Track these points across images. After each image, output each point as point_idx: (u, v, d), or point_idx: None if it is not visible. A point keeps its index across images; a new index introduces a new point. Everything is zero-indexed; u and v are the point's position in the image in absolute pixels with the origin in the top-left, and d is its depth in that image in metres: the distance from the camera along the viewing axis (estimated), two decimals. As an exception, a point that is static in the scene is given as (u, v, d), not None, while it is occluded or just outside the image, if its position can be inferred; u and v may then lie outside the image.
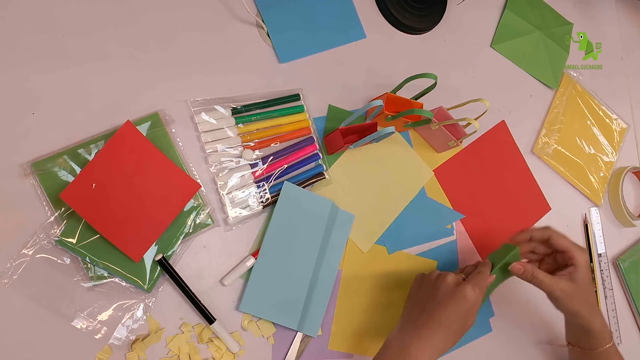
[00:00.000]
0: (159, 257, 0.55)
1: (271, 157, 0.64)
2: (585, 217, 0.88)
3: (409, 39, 0.80)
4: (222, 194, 0.60)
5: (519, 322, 0.77)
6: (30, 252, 0.52)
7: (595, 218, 0.89)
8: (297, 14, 0.71)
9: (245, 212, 0.61)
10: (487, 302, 0.75)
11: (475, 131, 0.69)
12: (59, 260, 0.53)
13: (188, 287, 0.56)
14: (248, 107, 0.64)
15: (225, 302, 0.59)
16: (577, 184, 0.88)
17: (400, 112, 0.66)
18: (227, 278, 0.58)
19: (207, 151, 0.61)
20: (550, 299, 0.63)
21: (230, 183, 0.61)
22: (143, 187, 0.55)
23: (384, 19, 0.78)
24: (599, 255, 0.87)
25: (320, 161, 0.67)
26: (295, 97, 0.67)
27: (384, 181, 0.71)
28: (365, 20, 0.76)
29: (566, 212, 0.87)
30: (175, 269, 0.56)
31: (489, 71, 0.85)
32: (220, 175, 0.61)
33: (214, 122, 0.62)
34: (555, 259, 0.66)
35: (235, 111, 0.63)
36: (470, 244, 0.76)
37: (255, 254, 0.60)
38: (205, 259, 0.59)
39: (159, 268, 0.55)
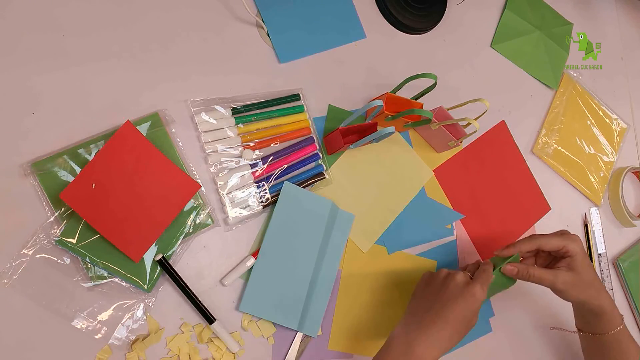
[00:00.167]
0: (159, 257, 0.55)
1: (271, 157, 0.64)
2: (585, 217, 0.88)
3: (409, 39, 0.80)
4: (222, 194, 0.60)
5: (519, 322, 0.77)
6: (30, 252, 0.52)
7: (595, 218, 0.89)
8: (297, 14, 0.71)
9: (245, 212, 0.61)
10: (487, 302, 0.75)
11: (475, 131, 0.69)
12: (59, 260, 0.53)
13: (188, 287, 0.56)
14: (248, 107, 0.64)
15: (225, 302, 0.59)
16: (577, 184, 0.88)
17: (400, 112, 0.66)
18: (227, 278, 0.58)
19: (207, 151, 0.61)
20: (555, 291, 0.63)
21: (230, 183, 0.61)
22: (143, 187, 0.55)
23: (384, 19, 0.78)
24: (599, 255, 0.87)
25: (320, 161, 0.67)
26: (295, 97, 0.67)
27: (384, 181, 0.71)
28: (365, 20, 0.76)
29: (566, 212, 0.87)
30: (175, 269, 0.56)
31: (489, 71, 0.85)
32: (220, 175, 0.61)
33: (214, 122, 0.62)
34: (549, 252, 0.66)
35: (235, 111, 0.63)
36: (470, 244, 0.76)
37: (255, 254, 0.60)
38: (205, 259, 0.59)
39: (159, 268, 0.55)
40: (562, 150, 0.88)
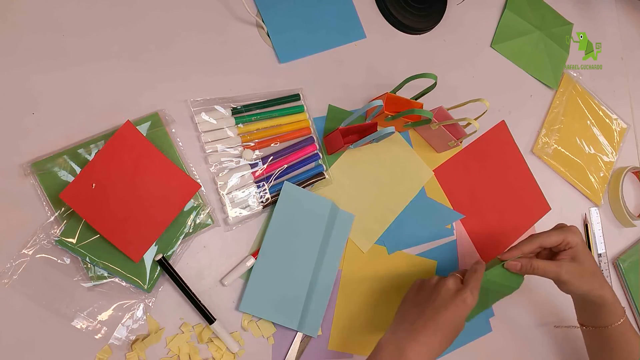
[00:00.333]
0: (159, 257, 0.55)
1: (271, 157, 0.64)
2: (585, 217, 0.88)
3: (409, 39, 0.80)
4: (222, 194, 0.60)
5: (519, 321, 0.77)
6: (30, 252, 0.52)
7: (595, 218, 0.89)
8: (297, 14, 0.71)
9: (245, 212, 0.61)
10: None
11: (475, 131, 0.69)
12: (59, 260, 0.53)
13: (188, 287, 0.56)
14: (248, 107, 0.64)
15: (225, 302, 0.59)
16: (577, 184, 0.88)
17: (400, 112, 0.66)
18: (227, 278, 0.58)
19: (207, 151, 0.61)
20: (558, 283, 0.63)
21: (230, 183, 0.61)
22: (143, 187, 0.55)
23: (384, 19, 0.78)
24: (599, 255, 0.87)
25: (320, 161, 0.67)
26: (295, 97, 0.67)
27: (384, 181, 0.71)
28: (365, 20, 0.76)
29: (566, 212, 0.87)
30: (175, 269, 0.56)
31: (489, 71, 0.85)
32: (220, 175, 0.61)
33: (214, 122, 0.62)
34: (550, 249, 0.66)
35: (235, 111, 0.63)
36: (470, 244, 0.76)
37: (255, 254, 0.60)
38: (205, 259, 0.59)
39: (159, 268, 0.55)
40: (562, 150, 0.88)
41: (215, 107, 0.62)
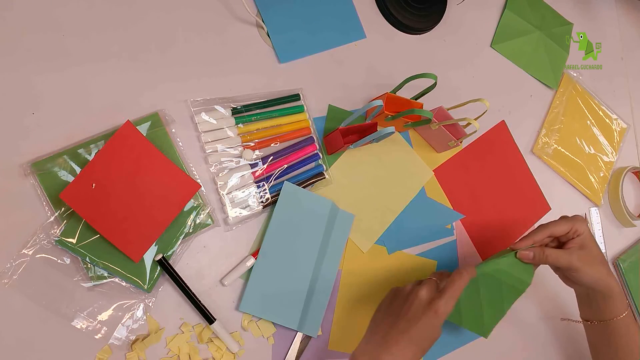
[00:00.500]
0: (159, 257, 0.55)
1: (271, 157, 0.64)
2: (585, 217, 0.88)
3: (409, 39, 0.80)
4: (222, 194, 0.60)
5: (521, 316, 0.77)
6: (30, 252, 0.52)
7: (595, 218, 0.89)
8: (297, 14, 0.71)
9: (245, 212, 0.61)
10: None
11: (475, 131, 0.69)
12: (59, 260, 0.53)
13: (188, 287, 0.56)
14: (248, 107, 0.64)
15: (225, 302, 0.59)
16: (577, 184, 0.88)
17: (400, 112, 0.66)
18: (227, 278, 0.58)
19: (207, 151, 0.61)
20: (569, 272, 0.62)
21: (230, 183, 0.61)
22: (143, 187, 0.55)
23: (384, 19, 0.78)
24: (599, 255, 0.87)
25: (320, 161, 0.67)
26: (295, 97, 0.67)
27: (384, 181, 0.71)
28: (365, 20, 0.76)
29: (566, 212, 0.85)
30: (175, 269, 0.56)
31: (489, 71, 0.85)
32: (220, 175, 0.61)
33: (214, 122, 0.62)
34: (557, 239, 0.66)
35: (235, 111, 0.63)
36: (470, 244, 0.76)
37: (255, 254, 0.60)
38: (205, 259, 0.59)
39: (159, 268, 0.55)
40: (562, 150, 0.88)
41: (215, 107, 0.62)
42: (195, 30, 0.64)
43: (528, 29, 0.90)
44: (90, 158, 0.54)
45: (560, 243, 0.66)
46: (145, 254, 0.55)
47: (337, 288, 0.65)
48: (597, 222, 0.89)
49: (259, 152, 0.64)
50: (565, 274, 0.64)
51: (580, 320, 0.70)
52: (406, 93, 0.71)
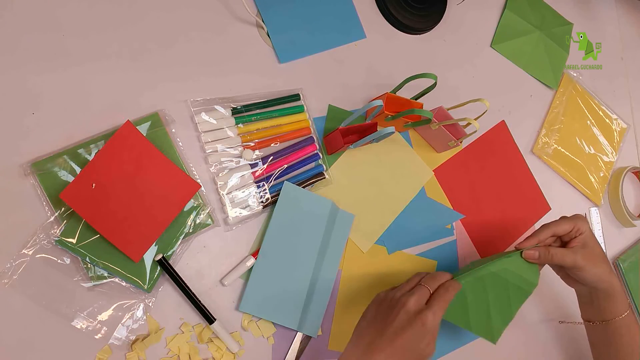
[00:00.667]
0: (159, 257, 0.55)
1: (271, 157, 0.64)
2: (585, 217, 0.88)
3: (409, 39, 0.80)
4: (222, 194, 0.60)
5: (522, 317, 0.77)
6: (30, 252, 0.52)
7: (595, 218, 0.89)
8: (297, 14, 0.71)
9: (245, 212, 0.61)
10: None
11: (475, 131, 0.69)
12: (59, 260, 0.53)
13: (188, 287, 0.56)
14: (248, 107, 0.64)
15: (225, 302, 0.59)
16: (577, 184, 0.88)
17: (400, 112, 0.66)
18: (227, 278, 0.58)
19: (207, 151, 0.61)
20: (573, 270, 0.62)
21: (230, 183, 0.61)
22: (143, 187, 0.55)
23: (384, 19, 0.78)
24: (599, 255, 0.87)
25: (320, 161, 0.67)
26: (295, 97, 0.67)
27: (384, 181, 0.71)
28: (365, 20, 0.76)
29: (566, 212, 0.85)
30: (175, 269, 0.56)
31: (489, 71, 0.85)
32: (220, 175, 0.61)
33: (214, 122, 0.62)
34: (559, 238, 0.66)
35: (235, 111, 0.63)
36: (470, 244, 0.76)
37: (255, 254, 0.60)
38: (205, 259, 0.59)
39: (159, 268, 0.55)
40: (562, 150, 0.88)
41: (215, 107, 0.62)
42: (195, 30, 0.64)
43: (528, 29, 0.90)
44: (90, 158, 0.54)
45: (562, 243, 0.66)
46: (145, 254, 0.55)
47: (337, 288, 0.65)
48: (597, 222, 0.89)
49: (259, 152, 0.64)
50: (569, 273, 0.64)
51: (581, 322, 0.70)
52: (406, 93, 0.71)
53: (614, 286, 0.63)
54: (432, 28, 0.82)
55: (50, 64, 0.56)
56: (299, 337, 0.61)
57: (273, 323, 0.61)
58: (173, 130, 0.60)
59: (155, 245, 0.55)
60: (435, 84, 0.68)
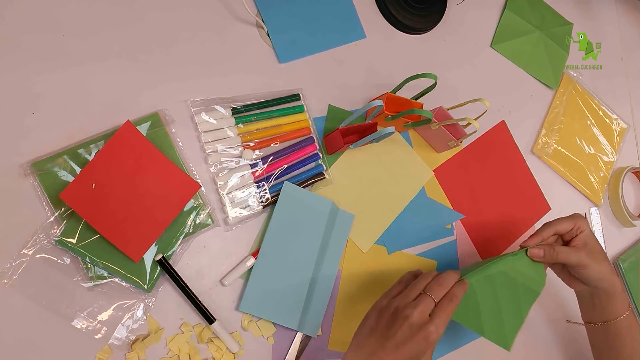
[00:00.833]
0: (159, 257, 0.55)
1: (271, 157, 0.64)
2: (585, 217, 0.88)
3: (409, 39, 0.80)
4: (222, 194, 0.60)
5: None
6: (30, 252, 0.52)
7: (595, 218, 0.89)
8: (297, 14, 0.71)
9: (245, 212, 0.61)
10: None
11: (475, 131, 0.69)
12: (59, 260, 0.53)
13: (188, 287, 0.56)
14: (248, 107, 0.64)
15: (225, 302, 0.59)
16: (577, 184, 0.88)
17: (400, 112, 0.66)
18: (227, 278, 0.58)
19: (207, 151, 0.61)
20: (577, 269, 0.62)
21: (230, 183, 0.61)
22: (143, 187, 0.55)
23: (384, 19, 0.78)
24: (599, 255, 0.87)
25: (320, 161, 0.67)
26: (295, 97, 0.67)
27: (384, 181, 0.71)
28: (365, 20, 0.76)
29: (566, 212, 0.85)
30: (175, 269, 0.56)
31: (489, 71, 0.85)
32: (220, 175, 0.61)
33: (214, 122, 0.62)
34: (560, 237, 0.66)
35: (235, 111, 0.63)
36: (470, 244, 0.76)
37: (255, 254, 0.60)
38: (205, 259, 0.59)
39: (159, 268, 0.55)
40: (562, 150, 0.88)
41: (215, 107, 0.62)
42: (195, 30, 0.64)
43: (528, 29, 0.90)
44: (90, 158, 0.54)
45: (564, 242, 0.66)
46: (145, 254, 0.55)
47: (337, 288, 0.65)
48: (597, 222, 0.89)
49: (259, 152, 0.64)
50: (572, 272, 0.64)
51: (581, 322, 0.70)
52: (406, 93, 0.71)
53: (615, 285, 0.63)
54: (432, 28, 0.82)
55: (50, 64, 0.56)
56: (299, 337, 0.61)
57: (273, 323, 0.61)
58: (173, 130, 0.60)
59: (155, 245, 0.55)
60: (435, 84, 0.68)
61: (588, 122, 0.92)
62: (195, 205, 0.58)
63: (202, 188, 0.60)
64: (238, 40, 0.67)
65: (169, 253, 0.56)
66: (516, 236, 0.81)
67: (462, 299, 0.54)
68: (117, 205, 0.53)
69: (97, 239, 0.53)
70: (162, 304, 0.56)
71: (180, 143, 0.60)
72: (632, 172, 0.94)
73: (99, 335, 0.53)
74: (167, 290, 0.57)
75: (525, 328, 0.76)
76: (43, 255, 0.52)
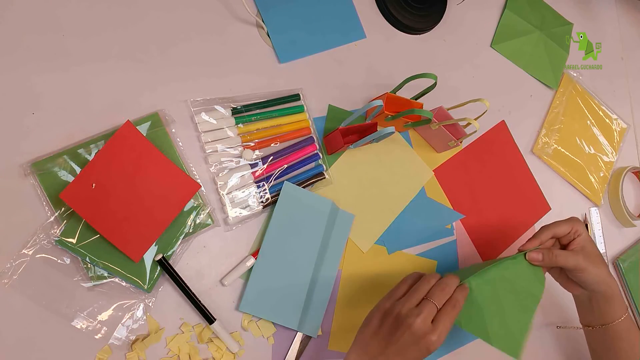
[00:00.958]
0: (159, 257, 0.55)
1: (271, 157, 0.64)
2: (585, 217, 0.88)
3: (409, 39, 0.80)
4: (222, 194, 0.60)
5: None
6: (30, 252, 0.52)
7: (595, 218, 0.89)
8: (297, 14, 0.71)
9: (245, 212, 0.61)
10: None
11: (475, 131, 0.69)
12: (59, 260, 0.53)
13: (188, 287, 0.56)
14: (248, 107, 0.64)
15: (225, 302, 0.59)
16: (577, 184, 0.88)
17: (400, 112, 0.66)
18: (227, 278, 0.58)
19: (207, 151, 0.61)
20: (575, 273, 0.62)
21: (230, 183, 0.61)
22: (143, 187, 0.55)
23: (384, 19, 0.78)
24: (599, 255, 0.87)
25: (320, 161, 0.67)
26: (295, 97, 0.67)
27: (384, 181, 0.71)
28: (365, 20, 0.76)
29: (566, 212, 0.86)
30: (175, 269, 0.56)
31: (489, 71, 0.85)
32: (220, 175, 0.61)
33: (214, 122, 0.62)
34: (557, 241, 0.66)
35: (235, 111, 0.63)
36: (470, 244, 0.76)
37: (255, 254, 0.60)
38: (205, 259, 0.59)
39: (159, 268, 0.55)
40: (562, 150, 0.88)
41: (215, 107, 0.62)
42: (195, 30, 0.64)
43: (528, 29, 0.90)
44: (90, 158, 0.54)
45: (561, 246, 0.66)
46: (145, 254, 0.55)
47: (337, 288, 0.65)
48: (597, 222, 0.89)
49: (259, 152, 0.64)
50: (570, 276, 0.64)
51: (578, 327, 0.70)
52: (406, 93, 0.71)
53: (613, 288, 0.63)
54: (432, 28, 0.82)
55: (50, 64, 0.56)
56: (299, 337, 0.61)
57: (273, 323, 0.61)
58: (173, 130, 0.60)
59: (155, 245, 0.55)
60: (435, 84, 0.68)
61: (588, 122, 0.92)
62: (195, 205, 0.58)
63: (202, 188, 0.60)
64: (238, 40, 0.67)
65: (169, 253, 0.56)
66: (516, 236, 0.81)
67: (465, 305, 0.54)
68: (117, 205, 0.54)
69: (97, 239, 0.53)
70: (162, 304, 0.56)
71: (180, 143, 0.60)
72: (632, 172, 0.94)
73: (99, 335, 0.53)
74: (167, 290, 0.57)
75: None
76: (43, 255, 0.52)
